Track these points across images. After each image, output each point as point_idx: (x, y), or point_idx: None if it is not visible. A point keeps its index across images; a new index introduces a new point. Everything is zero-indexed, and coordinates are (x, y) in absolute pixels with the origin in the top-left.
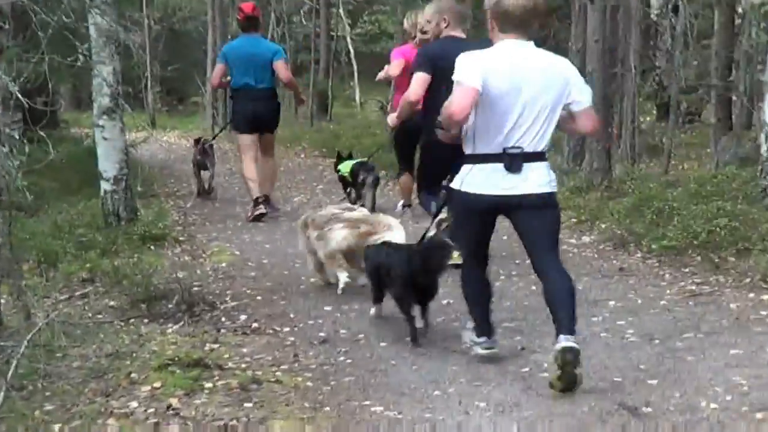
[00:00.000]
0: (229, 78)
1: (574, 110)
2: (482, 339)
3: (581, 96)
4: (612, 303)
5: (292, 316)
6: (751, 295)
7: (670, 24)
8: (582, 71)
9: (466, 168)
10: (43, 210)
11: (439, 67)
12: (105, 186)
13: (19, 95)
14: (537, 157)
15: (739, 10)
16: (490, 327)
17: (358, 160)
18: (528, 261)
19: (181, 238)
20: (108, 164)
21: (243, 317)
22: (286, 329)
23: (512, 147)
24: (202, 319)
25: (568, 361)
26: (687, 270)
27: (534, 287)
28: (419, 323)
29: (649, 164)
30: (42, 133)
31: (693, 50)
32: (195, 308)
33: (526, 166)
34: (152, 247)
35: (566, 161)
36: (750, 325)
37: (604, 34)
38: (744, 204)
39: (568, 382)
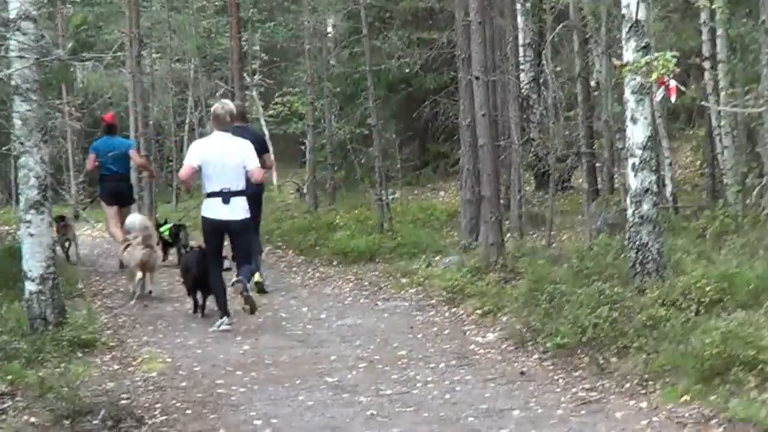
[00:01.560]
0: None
1: (248, 169)
2: (224, 319)
3: (249, 164)
4: (516, 413)
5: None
6: (632, 402)
7: (541, 97)
8: (474, 144)
9: (204, 202)
10: None
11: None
12: (30, 287)
13: None
14: (239, 193)
15: (592, 83)
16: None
17: (173, 223)
18: None
19: (111, 344)
20: (34, 263)
21: None
22: None
23: (224, 188)
24: None
25: (240, 289)
26: (577, 374)
27: (448, 395)
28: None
29: (533, 235)
30: None
31: (561, 122)
32: (122, 424)
33: (233, 199)
34: (81, 354)
35: (464, 237)
36: None
37: (489, 108)
38: (619, 285)
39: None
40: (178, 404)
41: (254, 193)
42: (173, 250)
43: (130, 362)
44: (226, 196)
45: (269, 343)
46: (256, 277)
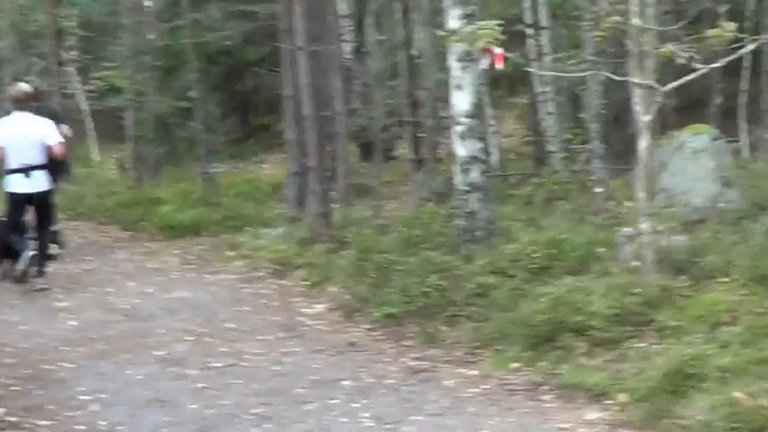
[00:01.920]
0: None
1: (49, 145)
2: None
3: (49, 140)
4: (346, 383)
5: (50, 407)
6: (462, 369)
7: (364, 67)
8: (299, 115)
9: (7, 177)
10: None
11: None
12: None
13: None
14: (39, 167)
15: (415, 52)
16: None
17: None
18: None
19: None
20: None
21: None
22: (45, 422)
23: (25, 163)
24: None
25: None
26: (407, 343)
27: (277, 367)
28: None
29: (359, 206)
30: None
31: (384, 91)
32: None
33: (33, 173)
34: None
35: (291, 208)
36: (465, 404)
37: (313, 79)
38: (447, 253)
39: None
40: (5, 380)
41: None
42: None
43: None
44: (27, 170)
45: (96, 318)
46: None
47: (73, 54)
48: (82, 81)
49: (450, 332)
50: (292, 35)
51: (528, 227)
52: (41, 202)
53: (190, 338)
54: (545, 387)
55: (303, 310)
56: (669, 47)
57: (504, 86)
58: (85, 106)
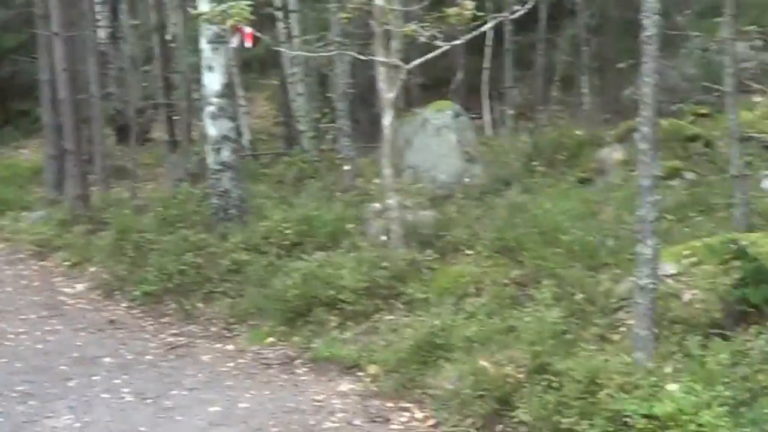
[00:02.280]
0: None
1: None
2: None
3: None
4: (107, 360)
5: None
6: (219, 345)
7: (119, 51)
8: (56, 100)
9: None
10: None
11: None
12: None
13: None
14: None
15: (169, 36)
16: None
17: None
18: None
19: None
20: None
21: None
22: None
23: None
24: None
25: None
26: (165, 320)
27: (40, 345)
28: None
29: (118, 189)
30: None
31: (139, 74)
32: None
33: None
34: None
35: (49, 191)
36: (222, 378)
37: (68, 64)
38: (203, 231)
39: None
40: None
41: None
42: None
43: None
44: None
45: None
46: None
47: None
48: None
49: (207, 308)
50: (48, 21)
51: (280, 205)
52: None
53: None
54: (299, 360)
55: (64, 289)
56: (412, 26)
57: (255, 68)
58: None
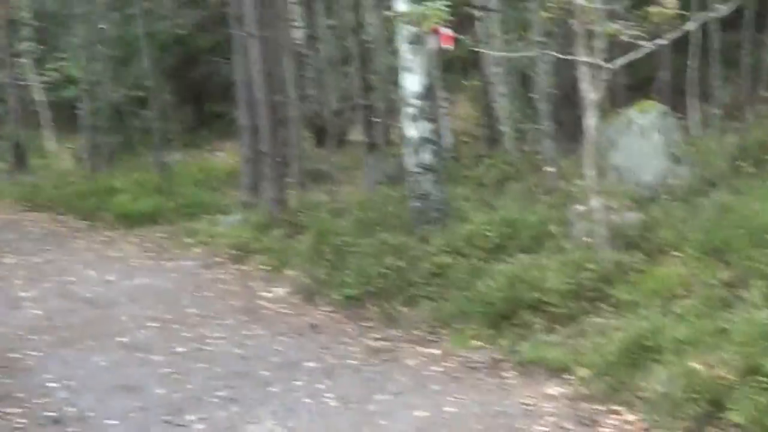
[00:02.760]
0: None
1: None
2: None
3: None
4: (309, 364)
5: (19, 395)
6: (423, 348)
7: (315, 52)
8: (252, 101)
9: None
10: None
11: None
12: None
13: None
14: None
15: (366, 37)
16: None
17: None
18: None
19: None
20: None
21: None
22: (14, 410)
23: None
24: None
25: None
26: (367, 324)
27: (240, 350)
28: None
29: (315, 191)
30: None
31: (337, 76)
32: None
33: None
34: None
35: (246, 194)
36: (427, 382)
37: (264, 64)
38: (402, 234)
39: None
40: None
41: None
42: None
43: None
44: None
45: (59, 306)
46: None
47: (27, 45)
48: (36, 72)
49: (409, 312)
50: (244, 22)
51: (481, 207)
52: None
53: (154, 324)
54: (506, 364)
55: (263, 294)
56: (614, 26)
57: (457, 69)
58: (40, 96)
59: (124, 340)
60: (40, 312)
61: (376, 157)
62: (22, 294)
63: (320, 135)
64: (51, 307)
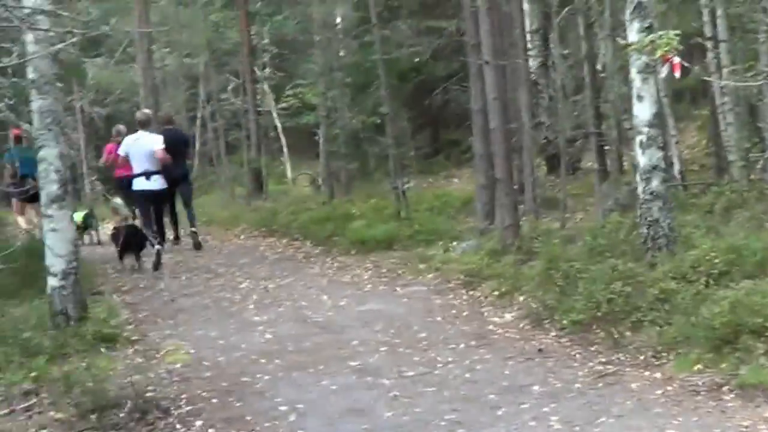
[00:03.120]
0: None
1: (153, 150)
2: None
3: (155, 147)
4: (535, 388)
5: (248, 418)
6: (647, 373)
7: (549, 81)
8: (487, 129)
9: (134, 180)
10: None
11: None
12: (52, 282)
13: None
14: (155, 173)
15: (599, 66)
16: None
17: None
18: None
19: (134, 338)
20: (56, 258)
21: (198, 423)
22: None
23: (146, 169)
24: (156, 427)
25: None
26: (593, 348)
27: (469, 374)
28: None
29: (547, 218)
30: None
31: (569, 104)
32: (148, 416)
33: (152, 176)
34: (104, 349)
35: (480, 221)
36: (650, 405)
37: (499, 93)
38: (631, 260)
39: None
40: (204, 394)
41: (182, 174)
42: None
43: (153, 355)
44: (147, 174)
45: (291, 331)
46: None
47: (267, 71)
48: (275, 98)
49: (635, 337)
50: (479, 50)
51: (708, 234)
52: (158, 197)
53: (384, 348)
54: (726, 387)
55: (492, 319)
56: None
57: (686, 99)
58: (278, 123)
59: (355, 363)
60: (271, 336)
61: (608, 185)
62: (255, 318)
63: (553, 162)
64: (283, 332)
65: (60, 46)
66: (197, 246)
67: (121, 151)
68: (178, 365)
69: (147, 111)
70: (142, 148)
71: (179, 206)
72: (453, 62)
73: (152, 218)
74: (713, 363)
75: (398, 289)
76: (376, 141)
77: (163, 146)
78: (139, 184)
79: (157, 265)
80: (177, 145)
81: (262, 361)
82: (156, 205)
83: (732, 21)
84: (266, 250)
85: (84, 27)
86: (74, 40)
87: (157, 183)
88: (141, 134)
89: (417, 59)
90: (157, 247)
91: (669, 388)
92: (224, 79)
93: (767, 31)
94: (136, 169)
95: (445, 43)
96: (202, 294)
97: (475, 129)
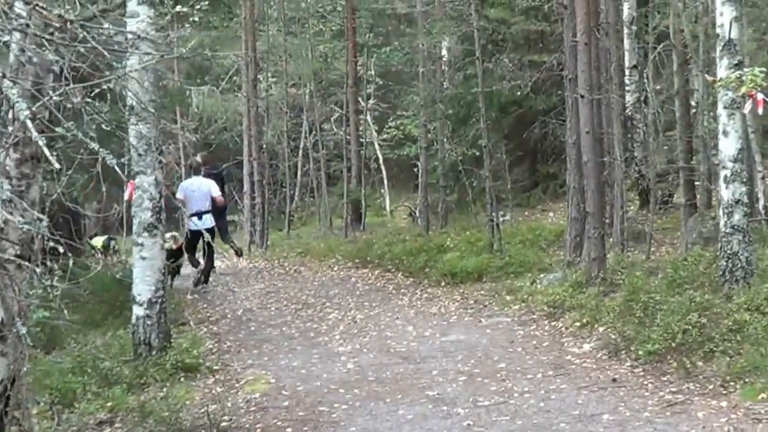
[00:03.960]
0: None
1: (213, 196)
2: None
3: (215, 193)
4: (606, 417)
5: None
6: (714, 402)
7: (643, 116)
8: (579, 162)
9: (188, 220)
10: (63, 344)
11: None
12: (137, 311)
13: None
14: (206, 212)
15: (693, 102)
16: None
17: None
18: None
19: (215, 367)
20: (143, 286)
21: None
22: None
23: (198, 210)
24: None
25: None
26: (665, 378)
27: (543, 403)
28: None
29: (634, 252)
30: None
31: (661, 139)
32: None
33: (204, 216)
34: (183, 379)
35: (568, 253)
36: None
37: (593, 126)
38: (709, 292)
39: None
40: (279, 423)
41: (220, 211)
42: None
43: (233, 384)
44: (199, 215)
45: (373, 360)
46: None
47: (371, 102)
48: (377, 130)
49: (706, 366)
50: (576, 84)
51: None
52: (209, 234)
53: (463, 378)
54: None
55: (571, 349)
56: None
57: None
58: (379, 154)
59: (432, 393)
60: (353, 366)
61: (695, 219)
62: (340, 348)
63: (645, 197)
64: (365, 361)
65: (160, 70)
66: (239, 253)
67: (179, 194)
68: (257, 395)
69: (198, 157)
70: (199, 191)
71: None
72: (553, 96)
73: (195, 251)
74: None
75: (483, 320)
76: (475, 173)
77: (219, 193)
78: (194, 223)
79: (200, 281)
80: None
81: (341, 390)
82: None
83: None
84: (358, 281)
85: (189, 54)
86: (176, 66)
87: (208, 221)
88: (195, 179)
89: (518, 92)
90: (199, 267)
91: (733, 416)
92: (328, 110)
93: None
94: (191, 210)
95: (545, 77)
96: (289, 324)
97: (569, 162)
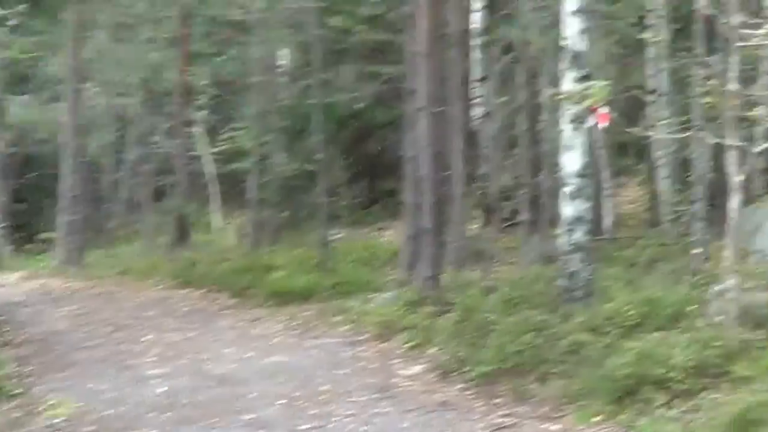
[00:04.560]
0: None
1: None
2: None
3: None
4: None
5: None
6: (545, 425)
7: (483, 130)
8: (417, 177)
9: None
10: None
11: None
12: None
13: None
14: None
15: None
16: None
17: None
18: None
19: (16, 392)
20: None
21: None
22: None
23: None
24: None
25: None
26: (497, 401)
27: (365, 427)
28: None
29: (474, 270)
30: None
31: (506, 154)
32: None
33: None
34: None
35: (403, 271)
36: None
37: (433, 140)
38: (546, 312)
39: None
40: None
41: None
42: None
43: (34, 409)
44: None
45: (188, 383)
46: None
47: (202, 114)
48: (209, 142)
49: (540, 389)
50: (416, 96)
51: (627, 287)
52: None
53: (282, 401)
54: None
55: (400, 371)
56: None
57: (631, 153)
58: (210, 169)
59: (248, 417)
60: (166, 389)
61: (538, 237)
62: (153, 371)
63: (490, 213)
64: (179, 385)
65: None
66: None
67: None
68: (60, 419)
69: None
70: None
71: None
72: (394, 109)
73: None
74: (613, 414)
75: (308, 341)
76: (309, 190)
77: None
78: None
79: None
80: None
81: (152, 414)
82: None
83: (674, 75)
84: (179, 301)
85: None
86: None
87: None
88: None
89: (357, 105)
90: None
91: None
92: (157, 121)
93: (701, 84)
94: None
95: (386, 90)
96: (100, 347)
97: (406, 178)
